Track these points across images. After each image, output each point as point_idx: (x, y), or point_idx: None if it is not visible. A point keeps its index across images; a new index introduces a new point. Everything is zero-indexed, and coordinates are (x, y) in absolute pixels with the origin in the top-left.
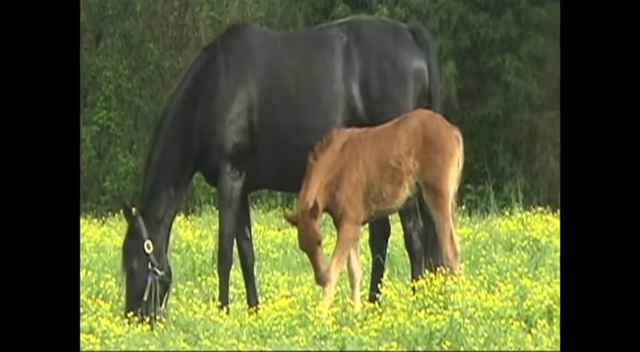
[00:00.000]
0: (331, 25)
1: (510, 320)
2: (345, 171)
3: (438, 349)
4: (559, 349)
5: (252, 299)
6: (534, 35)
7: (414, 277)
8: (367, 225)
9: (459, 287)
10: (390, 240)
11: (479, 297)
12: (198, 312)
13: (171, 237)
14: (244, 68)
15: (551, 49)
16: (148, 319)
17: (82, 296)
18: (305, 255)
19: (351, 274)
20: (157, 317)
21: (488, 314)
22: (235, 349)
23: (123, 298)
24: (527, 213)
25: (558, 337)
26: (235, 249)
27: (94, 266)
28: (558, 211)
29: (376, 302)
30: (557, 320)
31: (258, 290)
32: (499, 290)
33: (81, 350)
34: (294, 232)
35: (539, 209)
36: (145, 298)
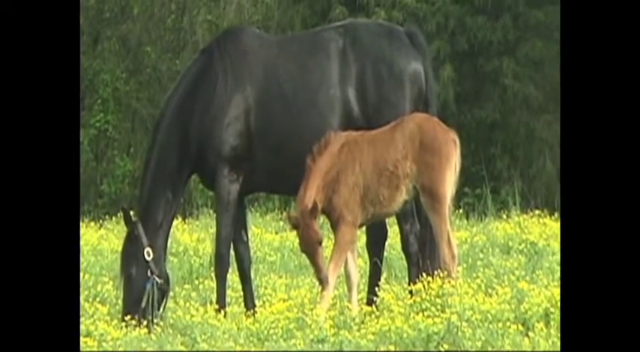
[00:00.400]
0: (327, 28)
1: (508, 323)
2: (341, 174)
3: None
4: None
5: (249, 302)
6: (532, 38)
7: (412, 280)
8: (364, 229)
9: (456, 291)
10: (387, 243)
11: (476, 300)
12: (195, 315)
13: (169, 240)
14: (241, 71)
15: (549, 52)
16: (145, 323)
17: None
18: (303, 258)
19: (348, 277)
20: (155, 321)
21: (485, 317)
22: None
23: (120, 302)
24: (525, 216)
25: (556, 340)
26: (232, 252)
27: (91, 270)
28: (556, 214)
29: (374, 306)
30: (554, 324)
31: (255, 294)
32: (496, 294)
33: None
34: (291, 235)
35: (537, 212)
36: (143, 304)
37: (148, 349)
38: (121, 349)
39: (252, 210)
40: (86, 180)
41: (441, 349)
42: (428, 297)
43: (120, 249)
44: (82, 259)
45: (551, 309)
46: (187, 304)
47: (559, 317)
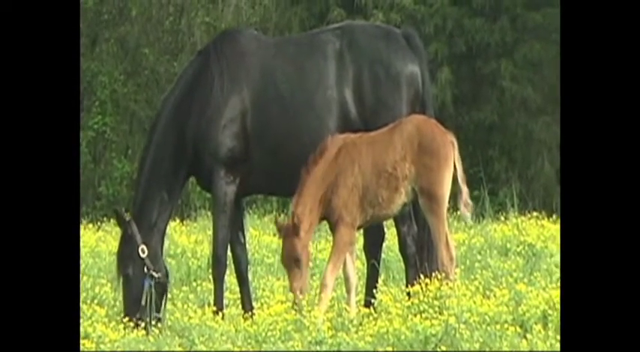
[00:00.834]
0: (324, 30)
1: (506, 325)
2: (340, 176)
3: None
4: None
5: (247, 304)
6: (530, 40)
7: (409, 282)
8: (362, 231)
9: (454, 293)
10: (385, 245)
11: (474, 302)
12: (193, 317)
13: (166, 242)
14: (238, 73)
15: (547, 53)
16: (143, 324)
17: None
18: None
19: (346, 279)
20: (154, 322)
21: (483, 319)
22: None
23: (119, 304)
24: (523, 218)
25: (554, 342)
26: (229, 254)
27: (89, 272)
28: (554, 216)
29: (371, 308)
30: (552, 326)
31: (253, 296)
32: (494, 296)
33: None
34: None
35: (535, 214)
36: (143, 302)
37: (146, 351)
38: (119, 350)
39: (250, 211)
40: (84, 182)
41: (439, 351)
42: (426, 299)
43: (116, 250)
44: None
45: (549, 311)
46: (185, 306)
47: (557, 319)
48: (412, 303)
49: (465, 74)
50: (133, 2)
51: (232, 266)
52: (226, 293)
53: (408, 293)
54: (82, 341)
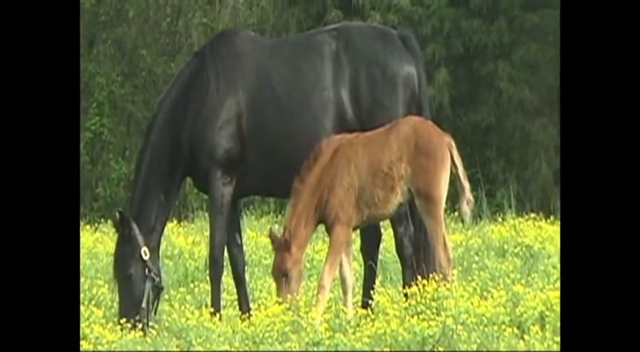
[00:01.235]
0: (320, 31)
1: (503, 327)
2: (336, 176)
3: None
4: None
5: (243, 305)
6: (527, 41)
7: (406, 283)
8: (359, 232)
9: (451, 294)
10: (382, 246)
11: (471, 303)
12: (190, 319)
13: (164, 243)
14: (234, 74)
15: (544, 55)
16: (140, 325)
17: None
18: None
19: (343, 280)
20: (150, 324)
21: (480, 320)
22: None
23: (116, 305)
24: (520, 219)
25: (551, 343)
26: (226, 255)
27: (87, 273)
28: (551, 217)
29: (369, 309)
30: (550, 327)
31: (250, 297)
32: (492, 297)
33: None
34: None
35: (532, 215)
36: (144, 305)
37: None
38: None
39: (248, 213)
40: (81, 184)
41: None
42: (423, 300)
43: (114, 250)
44: None
45: (547, 312)
46: (182, 307)
47: (554, 321)
48: (409, 304)
49: (462, 75)
50: (130, 3)
51: (229, 268)
52: (224, 295)
53: (406, 295)
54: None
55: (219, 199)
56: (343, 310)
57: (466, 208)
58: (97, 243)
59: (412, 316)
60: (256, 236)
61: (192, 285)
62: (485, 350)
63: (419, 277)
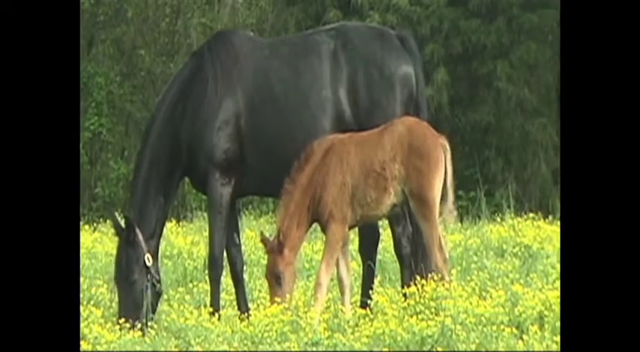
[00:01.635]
0: (318, 30)
1: (502, 327)
2: (328, 174)
3: None
4: None
5: (242, 305)
6: (526, 41)
7: (405, 283)
8: (357, 232)
9: (450, 294)
10: (381, 246)
11: (470, 303)
12: (189, 318)
13: (163, 243)
14: (232, 75)
15: (543, 55)
16: (139, 325)
17: None
18: (297, 261)
19: (340, 281)
20: (149, 324)
21: (479, 320)
22: None
23: (115, 305)
24: (519, 219)
25: (550, 343)
26: (225, 255)
27: (85, 273)
28: (550, 217)
29: (367, 309)
30: (548, 326)
31: (249, 297)
32: (490, 297)
33: None
34: None
35: (531, 215)
36: (144, 309)
37: None
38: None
39: (247, 213)
40: (80, 184)
41: None
42: (422, 300)
43: (116, 254)
44: None
45: (546, 312)
46: (181, 307)
47: (553, 320)
48: (408, 304)
49: (461, 75)
50: (129, 3)
51: (228, 268)
52: (222, 295)
53: (404, 294)
54: None
55: (218, 199)
56: (342, 310)
57: (448, 217)
58: (95, 243)
59: (411, 316)
60: (255, 236)
61: (191, 285)
62: (484, 350)
63: (417, 277)
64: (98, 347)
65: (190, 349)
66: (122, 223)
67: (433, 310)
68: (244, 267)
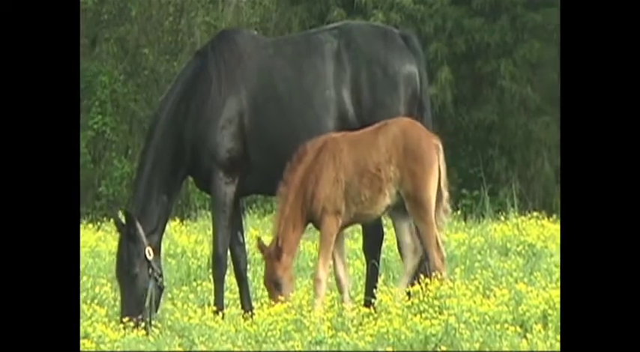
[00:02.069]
0: (322, 29)
1: (506, 325)
2: (321, 171)
3: None
4: None
5: (246, 304)
6: (529, 40)
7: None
8: (361, 231)
9: (454, 292)
10: (385, 245)
11: (474, 302)
12: (193, 317)
13: (166, 241)
14: (235, 74)
15: (547, 53)
16: (143, 324)
17: None
18: (301, 259)
19: (338, 281)
20: (152, 323)
21: (483, 319)
22: None
23: (119, 303)
24: (523, 217)
25: (554, 342)
26: (229, 254)
27: (89, 271)
28: (554, 216)
29: (371, 307)
30: (552, 325)
31: (253, 296)
32: (494, 295)
33: None
34: None
35: (535, 214)
36: (147, 304)
37: (146, 351)
38: (119, 350)
39: (250, 211)
40: (84, 182)
41: (439, 351)
42: (426, 299)
43: (117, 248)
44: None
45: (549, 311)
46: (185, 306)
47: (557, 319)
48: (412, 303)
49: (464, 74)
50: (132, 2)
51: (232, 266)
52: (226, 293)
53: (408, 293)
54: (82, 341)
55: (222, 198)
56: (345, 309)
57: (443, 216)
58: (99, 242)
59: (415, 315)
60: (260, 234)
61: (194, 284)
62: (487, 348)
63: (421, 276)
64: (102, 346)
65: (194, 348)
66: (123, 219)
67: (437, 309)
68: (248, 266)
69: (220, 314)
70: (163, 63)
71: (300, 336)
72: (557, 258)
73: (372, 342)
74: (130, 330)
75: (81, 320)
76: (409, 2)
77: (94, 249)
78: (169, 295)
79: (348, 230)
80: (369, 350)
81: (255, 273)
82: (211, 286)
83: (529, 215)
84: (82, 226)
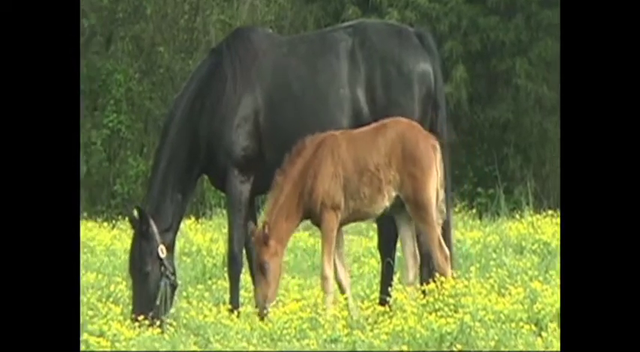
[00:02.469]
0: (336, 28)
1: (521, 324)
2: (320, 166)
3: None
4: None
5: None
6: (545, 38)
7: (424, 280)
8: (376, 230)
9: (469, 291)
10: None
11: (489, 300)
12: (208, 316)
13: (182, 240)
14: (250, 72)
15: None
16: (158, 322)
17: (92, 300)
18: (316, 257)
19: (339, 283)
20: (167, 321)
21: (498, 317)
22: None
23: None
24: (538, 216)
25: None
26: (244, 252)
27: (104, 270)
28: None
29: (387, 306)
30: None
31: None
32: (509, 294)
33: None
34: (304, 236)
35: (550, 212)
36: (158, 302)
37: (161, 349)
38: (134, 349)
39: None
40: (99, 181)
41: (454, 349)
42: (441, 297)
43: (130, 245)
44: (94, 259)
45: None
46: (200, 304)
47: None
48: (427, 301)
49: (479, 72)
50: (147, 0)
51: (247, 265)
52: (242, 292)
53: (424, 292)
54: (96, 339)
55: (237, 197)
56: (360, 307)
57: (437, 217)
58: (114, 240)
59: (430, 313)
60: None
61: (210, 282)
62: (502, 347)
63: (435, 274)
64: (117, 345)
65: (209, 346)
66: (137, 213)
67: (452, 307)
68: None
69: (235, 312)
70: (178, 61)
71: (315, 334)
72: None
73: (387, 340)
74: (145, 329)
75: (96, 319)
76: (424, 0)
77: (109, 248)
78: (184, 293)
79: (362, 227)
80: (384, 349)
81: None
82: (226, 284)
83: (544, 213)
84: (96, 224)
